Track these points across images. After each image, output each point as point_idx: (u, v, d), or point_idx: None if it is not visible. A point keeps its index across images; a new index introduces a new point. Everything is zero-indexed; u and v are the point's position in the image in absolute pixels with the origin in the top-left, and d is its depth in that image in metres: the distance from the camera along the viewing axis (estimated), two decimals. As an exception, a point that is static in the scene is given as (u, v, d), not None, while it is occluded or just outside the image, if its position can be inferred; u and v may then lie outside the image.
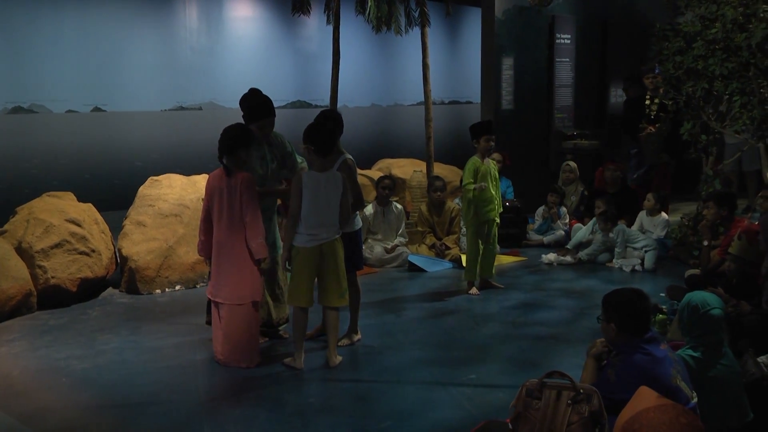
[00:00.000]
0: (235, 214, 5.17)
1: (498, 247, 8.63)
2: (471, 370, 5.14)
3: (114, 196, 10.32)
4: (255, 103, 5.56)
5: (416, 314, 6.60)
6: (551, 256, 8.44)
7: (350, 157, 5.68)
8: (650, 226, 8.62)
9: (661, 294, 6.72)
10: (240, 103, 5.61)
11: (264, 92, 5.64)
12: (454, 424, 4.27)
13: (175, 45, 12.18)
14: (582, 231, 8.63)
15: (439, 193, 8.74)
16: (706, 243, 7.09)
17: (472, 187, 6.97)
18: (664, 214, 8.73)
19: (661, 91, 9.15)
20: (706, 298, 4.07)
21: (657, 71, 9.33)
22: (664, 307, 5.95)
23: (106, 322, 6.40)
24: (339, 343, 5.59)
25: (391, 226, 8.64)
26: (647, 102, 9.60)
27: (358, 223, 5.78)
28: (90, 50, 11.24)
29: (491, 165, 7.19)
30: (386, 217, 8.63)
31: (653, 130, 9.37)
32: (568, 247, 8.68)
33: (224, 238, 5.22)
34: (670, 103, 8.51)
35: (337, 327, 5.32)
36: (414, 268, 8.22)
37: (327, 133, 5.19)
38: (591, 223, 8.64)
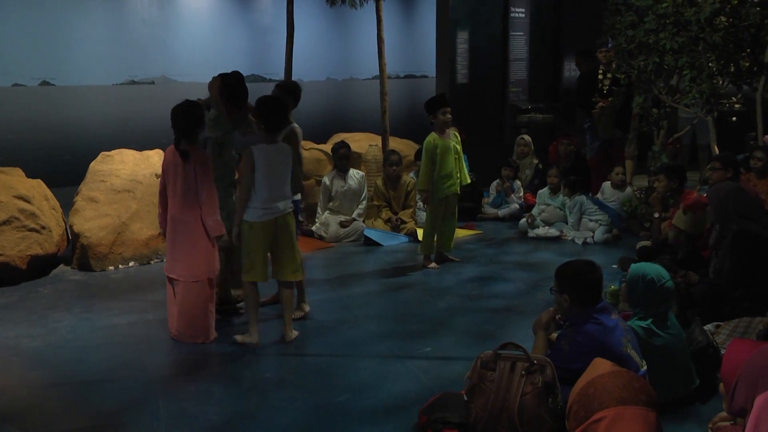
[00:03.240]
0: (189, 191, 5.12)
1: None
2: (427, 343, 5.19)
3: (64, 172, 10.14)
4: (241, 91, 5.52)
5: (372, 288, 6.62)
6: (540, 231, 8.48)
7: (297, 126, 5.72)
8: (613, 197, 8.69)
9: (614, 266, 6.83)
10: (232, 83, 5.50)
11: (218, 66, 5.63)
12: (410, 396, 4.31)
13: (126, 17, 11.95)
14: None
15: (394, 168, 8.73)
16: (656, 215, 7.21)
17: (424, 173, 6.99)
18: (628, 188, 8.80)
19: (613, 65, 9.22)
20: (659, 271, 4.14)
21: (609, 45, 9.40)
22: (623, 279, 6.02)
23: (57, 299, 6.31)
24: (300, 313, 5.69)
25: (353, 194, 8.62)
26: (600, 76, 9.64)
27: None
28: (37, 21, 10.98)
29: (453, 139, 7.14)
30: (347, 184, 8.59)
31: (605, 104, 9.44)
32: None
33: (179, 214, 5.17)
34: (623, 77, 8.60)
35: (292, 302, 5.32)
36: (370, 243, 8.22)
37: (276, 110, 5.12)
38: (544, 195, 8.71)
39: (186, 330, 5.22)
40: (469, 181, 7.45)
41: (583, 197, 8.44)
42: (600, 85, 9.55)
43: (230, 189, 5.68)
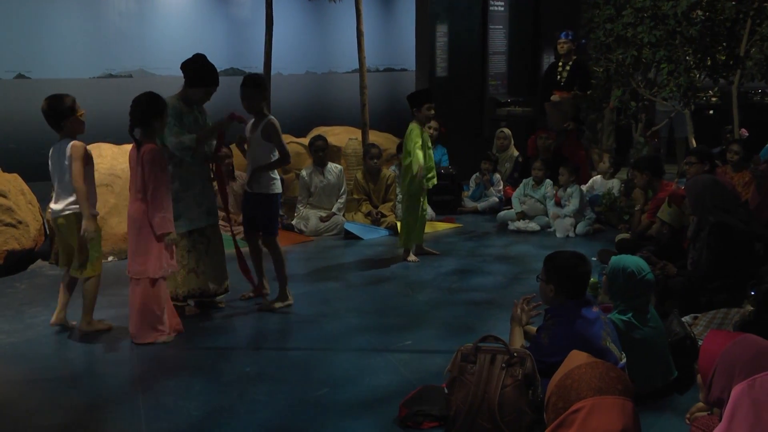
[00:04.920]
0: (139, 188, 5.04)
1: (433, 213, 8.71)
2: (407, 336, 5.19)
3: (41, 166, 10.00)
4: (207, 69, 5.45)
5: (352, 282, 6.62)
6: (520, 224, 8.50)
7: (273, 117, 5.72)
8: (602, 189, 8.72)
9: (593, 258, 6.86)
10: (186, 66, 5.45)
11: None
12: (390, 389, 4.31)
13: (103, 9, 11.85)
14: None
15: (375, 161, 8.72)
16: (638, 207, 7.26)
17: (420, 157, 6.92)
18: (617, 180, 8.81)
19: (573, 57, 9.20)
20: (639, 263, 4.15)
21: (563, 36, 9.37)
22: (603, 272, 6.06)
23: (35, 295, 6.25)
24: (274, 305, 5.74)
25: (332, 188, 8.60)
26: (559, 68, 9.55)
27: (278, 186, 5.79)
28: (12, 14, 10.85)
29: (425, 134, 7.15)
30: (326, 178, 8.57)
31: (558, 98, 9.38)
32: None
33: (133, 211, 5.08)
34: (601, 70, 8.65)
35: (88, 293, 5.28)
36: (350, 236, 8.22)
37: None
38: (524, 186, 8.72)
39: (138, 328, 5.09)
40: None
41: (580, 189, 8.44)
42: (558, 77, 9.49)
43: (208, 183, 5.65)
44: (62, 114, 5.07)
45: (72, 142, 5.06)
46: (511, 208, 8.80)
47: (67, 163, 5.03)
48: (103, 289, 6.31)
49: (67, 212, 5.09)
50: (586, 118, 9.74)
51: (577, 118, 9.44)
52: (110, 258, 7.22)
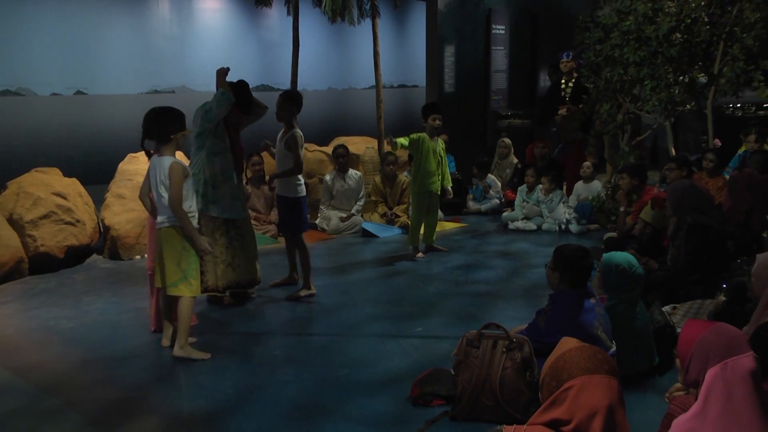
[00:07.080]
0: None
1: (442, 214, 8.70)
2: (418, 324, 5.20)
3: (96, 172, 10.13)
4: (246, 96, 5.45)
5: (369, 275, 6.63)
6: (519, 224, 8.50)
7: (298, 131, 5.71)
8: (585, 192, 8.70)
9: (583, 254, 6.83)
10: (243, 91, 5.42)
11: (232, 77, 5.50)
12: (403, 371, 4.32)
13: (149, 33, 11.95)
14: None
15: (391, 167, 8.73)
16: (622, 209, 7.23)
17: (398, 140, 6.72)
18: (597, 182, 8.82)
19: (574, 74, 9.17)
20: (629, 259, 4.11)
21: (564, 56, 9.32)
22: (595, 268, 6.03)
23: (90, 285, 6.31)
24: (299, 293, 5.78)
25: (352, 192, 8.62)
26: (562, 85, 9.51)
27: (301, 190, 5.81)
28: (72, 37, 10.98)
29: (439, 144, 7.13)
30: (346, 183, 8.59)
31: (566, 112, 9.33)
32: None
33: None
34: (591, 87, 8.61)
35: (181, 316, 4.56)
36: (367, 234, 8.23)
37: (155, 121, 4.54)
38: (523, 193, 8.72)
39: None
40: (451, 183, 7.41)
41: (561, 192, 8.49)
42: (563, 93, 9.46)
43: (241, 181, 5.61)
44: (174, 128, 4.53)
45: (171, 163, 4.43)
46: (512, 209, 8.82)
47: (167, 182, 4.41)
48: (135, 284, 6.26)
49: (166, 225, 4.49)
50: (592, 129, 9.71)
51: (584, 129, 9.42)
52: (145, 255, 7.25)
